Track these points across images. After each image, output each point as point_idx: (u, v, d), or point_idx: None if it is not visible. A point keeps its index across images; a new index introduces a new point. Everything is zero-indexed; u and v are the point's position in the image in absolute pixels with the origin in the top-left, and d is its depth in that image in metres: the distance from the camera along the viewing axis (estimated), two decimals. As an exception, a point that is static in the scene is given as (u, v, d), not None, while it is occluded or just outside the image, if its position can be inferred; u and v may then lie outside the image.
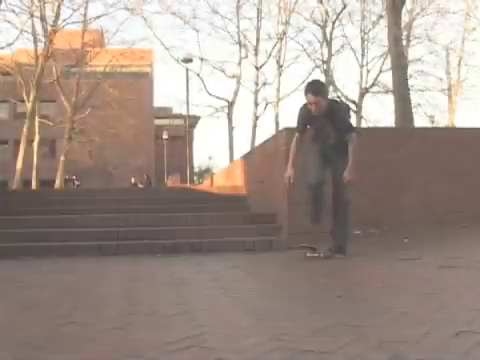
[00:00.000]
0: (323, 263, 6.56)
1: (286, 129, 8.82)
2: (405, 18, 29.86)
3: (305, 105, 6.69)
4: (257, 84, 35.30)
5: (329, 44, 34.02)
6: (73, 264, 7.09)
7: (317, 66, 35.04)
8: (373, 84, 34.62)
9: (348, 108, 7.27)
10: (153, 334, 3.16)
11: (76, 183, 38.92)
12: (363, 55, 34.76)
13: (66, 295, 4.78)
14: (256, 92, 35.31)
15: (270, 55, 35.44)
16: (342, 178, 6.50)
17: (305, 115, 6.70)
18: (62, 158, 32.35)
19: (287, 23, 35.01)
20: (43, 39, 29.17)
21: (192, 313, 3.72)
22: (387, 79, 32.11)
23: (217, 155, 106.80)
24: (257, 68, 35.22)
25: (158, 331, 3.24)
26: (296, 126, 6.87)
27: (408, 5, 29.86)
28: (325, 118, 6.53)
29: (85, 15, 31.48)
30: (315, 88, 6.62)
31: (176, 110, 51.30)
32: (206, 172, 61.35)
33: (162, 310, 3.86)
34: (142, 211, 9.94)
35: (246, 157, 12.82)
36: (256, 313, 3.65)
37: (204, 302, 4.18)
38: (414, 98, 29.65)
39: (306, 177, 6.74)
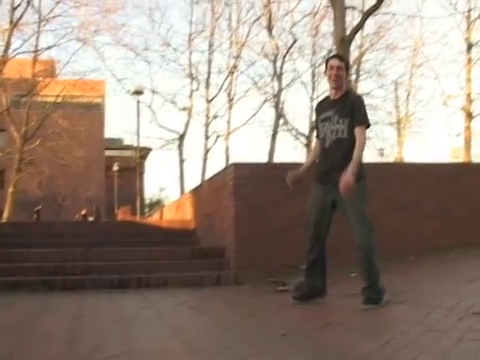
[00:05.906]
0: (270, 299, 6.56)
1: (234, 164, 8.85)
2: (355, 53, 30.47)
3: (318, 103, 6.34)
4: (208, 117, 35.36)
5: (279, 78, 34.24)
6: (16, 300, 6.94)
7: (267, 100, 35.15)
8: (323, 118, 34.83)
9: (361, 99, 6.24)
10: (95, 376, 3.12)
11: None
12: (314, 89, 34.97)
13: (7, 333, 4.69)
14: (207, 125, 35.33)
15: (221, 88, 35.60)
16: (355, 213, 5.67)
17: (317, 110, 6.10)
18: (11, 189, 31.85)
19: (238, 57, 35.27)
20: (-7, 68, 28.87)
21: (136, 353, 3.67)
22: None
23: (169, 186, 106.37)
24: (208, 101, 35.31)
25: (100, 372, 3.20)
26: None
27: (357, 40, 30.44)
28: (336, 105, 5.78)
29: (36, 45, 31.27)
30: (341, 57, 6.21)
31: (127, 141, 51.06)
32: (157, 204, 61.12)
33: (106, 349, 3.81)
34: (90, 245, 9.80)
35: (195, 191, 12.81)
36: (200, 353, 3.63)
37: (148, 341, 4.14)
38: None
39: (305, 222, 6.06)
